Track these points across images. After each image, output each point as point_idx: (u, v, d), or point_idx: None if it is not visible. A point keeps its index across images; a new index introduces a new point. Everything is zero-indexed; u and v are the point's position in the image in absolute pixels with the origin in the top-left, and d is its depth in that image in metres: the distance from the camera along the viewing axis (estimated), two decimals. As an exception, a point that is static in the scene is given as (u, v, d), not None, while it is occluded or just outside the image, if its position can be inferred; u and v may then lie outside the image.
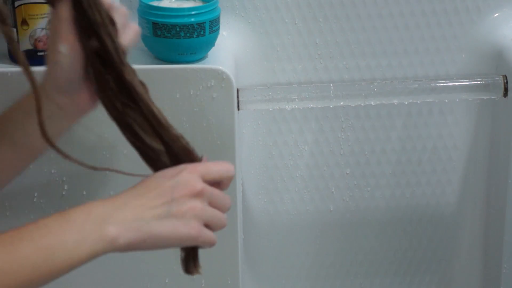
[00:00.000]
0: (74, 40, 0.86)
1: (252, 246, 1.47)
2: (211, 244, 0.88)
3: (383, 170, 1.47)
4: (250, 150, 1.43)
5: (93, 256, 0.80)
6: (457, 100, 1.41)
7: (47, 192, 1.22)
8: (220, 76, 1.18)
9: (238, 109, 1.26)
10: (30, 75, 0.81)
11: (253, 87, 1.35)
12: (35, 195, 1.22)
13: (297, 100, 1.31)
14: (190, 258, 0.91)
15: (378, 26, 1.38)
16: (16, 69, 1.17)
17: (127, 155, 1.23)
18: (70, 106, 0.91)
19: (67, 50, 0.86)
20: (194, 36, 1.18)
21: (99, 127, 1.16)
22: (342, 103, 1.32)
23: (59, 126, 0.92)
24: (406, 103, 1.37)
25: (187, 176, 0.85)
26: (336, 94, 1.31)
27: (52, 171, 1.20)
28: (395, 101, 1.34)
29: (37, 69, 0.87)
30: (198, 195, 0.85)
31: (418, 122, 1.44)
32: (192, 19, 1.17)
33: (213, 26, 1.20)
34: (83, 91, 0.90)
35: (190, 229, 0.84)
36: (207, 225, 0.87)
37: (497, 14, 1.40)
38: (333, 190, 1.47)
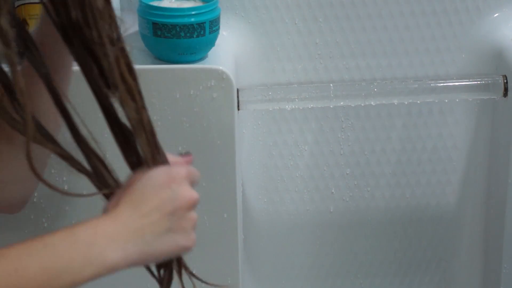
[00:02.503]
0: None
1: (252, 246, 1.47)
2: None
3: (383, 170, 1.47)
4: (250, 150, 1.43)
5: (95, 279, 0.80)
6: (457, 100, 1.41)
7: (47, 192, 1.21)
8: (220, 76, 1.18)
9: (238, 109, 1.26)
10: (26, 104, 0.79)
11: (253, 87, 1.35)
12: (35, 195, 1.22)
13: (297, 100, 1.31)
14: (180, 270, 0.91)
15: (378, 26, 1.38)
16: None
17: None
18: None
19: None
20: (194, 36, 1.18)
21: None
22: (342, 103, 1.32)
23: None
24: (406, 103, 1.37)
25: (183, 186, 0.84)
26: (336, 94, 1.31)
27: (52, 171, 1.20)
28: (395, 101, 1.34)
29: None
30: (192, 207, 0.84)
31: (418, 122, 1.44)
32: (192, 19, 1.17)
33: (213, 26, 1.20)
34: None
35: (189, 241, 0.84)
36: None
37: (497, 14, 1.40)
38: (333, 190, 1.47)
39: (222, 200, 1.24)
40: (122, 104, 0.80)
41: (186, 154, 0.90)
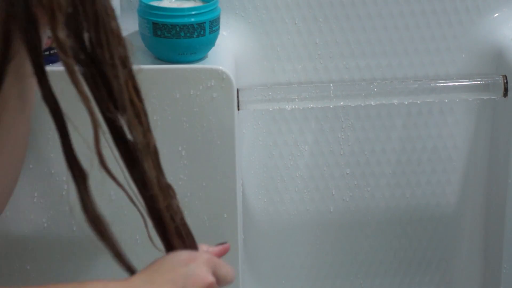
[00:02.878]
0: None
1: (252, 246, 1.47)
2: None
3: (383, 170, 1.47)
4: (250, 150, 1.43)
5: None
6: (457, 100, 1.41)
7: (47, 192, 1.22)
8: (220, 76, 1.18)
9: (238, 109, 1.26)
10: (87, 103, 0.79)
11: (253, 87, 1.35)
12: (35, 195, 1.22)
13: (297, 100, 1.31)
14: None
15: (378, 26, 1.38)
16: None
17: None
18: None
19: None
20: (194, 36, 1.18)
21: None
22: (342, 103, 1.32)
23: None
24: (406, 103, 1.37)
25: (201, 267, 0.85)
26: (336, 94, 1.31)
27: (52, 171, 1.20)
28: (395, 101, 1.34)
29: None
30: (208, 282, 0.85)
31: (418, 122, 1.44)
32: (192, 19, 1.17)
33: (213, 26, 1.20)
34: None
35: None
36: None
37: (497, 14, 1.40)
38: (333, 190, 1.47)
39: (222, 200, 1.24)
40: (130, 127, 0.81)
41: (223, 243, 0.95)
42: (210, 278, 0.85)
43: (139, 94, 0.81)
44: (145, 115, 0.82)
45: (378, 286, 1.54)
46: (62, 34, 0.74)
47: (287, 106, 1.31)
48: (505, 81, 1.34)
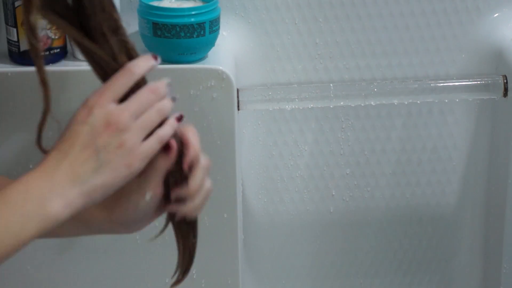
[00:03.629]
0: (160, 193, 0.85)
1: (252, 246, 1.47)
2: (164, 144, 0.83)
3: (383, 170, 1.47)
4: (250, 150, 1.43)
5: (40, 234, 0.78)
6: (457, 100, 1.41)
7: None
8: (220, 76, 1.18)
9: (238, 109, 1.26)
10: (46, 90, 0.80)
11: (253, 87, 1.35)
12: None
13: (297, 100, 1.31)
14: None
15: (378, 26, 1.38)
16: (16, 69, 1.18)
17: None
18: (101, 228, 0.90)
19: (151, 199, 0.85)
20: (194, 36, 1.18)
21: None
22: (342, 103, 1.32)
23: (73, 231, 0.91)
24: (406, 103, 1.37)
25: (99, 113, 0.80)
26: (336, 94, 1.31)
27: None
28: (395, 101, 1.34)
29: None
30: (120, 128, 0.80)
31: (418, 122, 1.44)
32: (192, 19, 1.17)
33: (213, 26, 1.20)
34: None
35: (130, 166, 0.80)
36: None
37: (497, 14, 1.40)
38: (333, 190, 1.47)
39: (222, 200, 1.24)
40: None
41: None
42: (114, 118, 0.79)
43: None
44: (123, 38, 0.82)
45: (378, 286, 1.54)
46: (33, 18, 0.76)
47: (287, 106, 1.31)
48: (505, 81, 1.34)
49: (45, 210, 0.77)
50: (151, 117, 0.81)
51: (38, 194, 0.78)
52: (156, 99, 0.82)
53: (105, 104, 0.80)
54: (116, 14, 0.82)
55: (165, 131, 0.82)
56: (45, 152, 0.82)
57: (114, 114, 0.80)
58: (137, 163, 0.81)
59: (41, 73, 0.79)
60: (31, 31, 0.77)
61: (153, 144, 0.81)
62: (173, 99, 0.83)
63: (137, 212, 0.86)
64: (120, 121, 0.79)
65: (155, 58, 0.83)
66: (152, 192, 0.84)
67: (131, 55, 0.83)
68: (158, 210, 0.88)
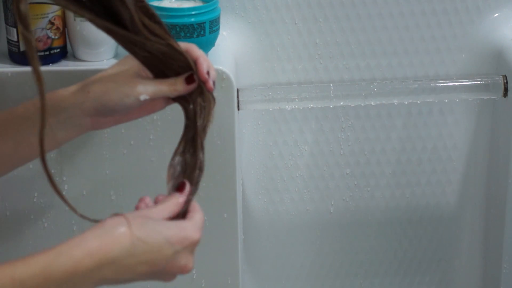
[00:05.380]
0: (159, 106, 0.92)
1: (252, 246, 1.47)
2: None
3: (383, 170, 1.47)
4: (250, 150, 1.43)
5: None
6: (457, 100, 1.41)
7: (47, 192, 1.21)
8: (220, 76, 1.18)
9: (238, 109, 1.26)
10: (41, 85, 0.80)
11: (253, 87, 1.35)
12: (35, 195, 1.22)
13: (297, 100, 1.31)
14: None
15: (378, 26, 1.38)
16: (16, 69, 1.17)
17: (126, 155, 1.23)
18: (93, 124, 0.91)
19: (142, 101, 0.89)
20: (194, 36, 1.18)
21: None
22: (342, 103, 1.32)
23: (65, 135, 0.91)
24: (406, 103, 1.37)
25: (185, 253, 0.83)
26: (336, 94, 1.31)
27: (53, 171, 1.20)
28: (395, 101, 1.34)
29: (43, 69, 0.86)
30: (183, 273, 0.84)
31: (418, 122, 1.44)
32: (192, 19, 1.17)
33: (213, 26, 1.20)
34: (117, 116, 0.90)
35: (168, 280, 0.85)
36: None
37: (497, 14, 1.40)
38: (333, 190, 1.47)
39: (222, 200, 1.24)
40: (148, 44, 0.85)
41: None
42: (190, 267, 0.83)
43: (155, 17, 0.85)
44: (166, 32, 0.86)
45: (378, 286, 1.54)
46: (23, 6, 0.76)
47: (287, 106, 1.31)
48: (505, 81, 1.34)
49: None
50: None
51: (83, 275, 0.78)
52: None
53: (192, 255, 0.84)
54: None
55: None
56: (42, 154, 0.82)
57: (190, 264, 0.84)
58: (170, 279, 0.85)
59: (35, 65, 0.78)
60: (22, 20, 0.76)
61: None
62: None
63: (120, 102, 0.88)
64: (187, 272, 0.84)
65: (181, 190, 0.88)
66: (148, 96, 0.88)
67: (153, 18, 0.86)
68: (141, 110, 0.91)
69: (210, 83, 0.92)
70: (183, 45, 0.91)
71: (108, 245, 0.78)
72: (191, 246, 0.83)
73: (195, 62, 0.91)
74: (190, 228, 0.84)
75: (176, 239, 0.82)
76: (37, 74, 0.77)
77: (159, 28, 0.86)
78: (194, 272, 1.28)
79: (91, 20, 0.83)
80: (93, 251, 0.78)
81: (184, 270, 0.83)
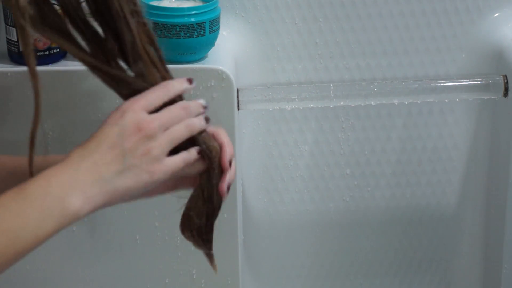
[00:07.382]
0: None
1: (252, 246, 1.47)
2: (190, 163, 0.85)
3: (383, 170, 1.47)
4: (250, 150, 1.43)
5: (59, 230, 0.78)
6: (457, 100, 1.41)
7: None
8: (220, 76, 1.18)
9: (238, 109, 1.26)
10: (35, 81, 0.80)
11: (253, 87, 1.35)
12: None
13: (297, 100, 1.31)
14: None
15: (378, 26, 1.38)
16: (16, 69, 1.17)
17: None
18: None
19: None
20: (194, 36, 1.18)
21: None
22: (342, 103, 1.32)
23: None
24: (406, 103, 1.37)
25: (131, 117, 0.81)
26: (336, 94, 1.31)
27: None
28: (395, 101, 1.34)
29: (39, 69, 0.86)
30: (149, 135, 0.81)
31: (418, 122, 1.44)
32: (192, 19, 1.17)
33: (213, 26, 1.20)
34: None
35: (153, 175, 0.81)
36: (180, 147, 0.84)
37: (497, 14, 1.40)
38: (333, 190, 1.47)
39: (222, 200, 1.24)
40: (145, 75, 0.84)
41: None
42: (146, 124, 0.81)
43: (154, 43, 0.85)
44: (162, 61, 0.86)
45: (378, 286, 1.54)
46: (23, 2, 0.76)
47: (287, 106, 1.31)
48: (505, 81, 1.34)
49: (65, 206, 0.77)
50: (179, 131, 0.83)
51: (59, 189, 0.77)
52: (186, 116, 0.84)
53: (138, 111, 0.82)
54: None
55: (191, 156, 0.85)
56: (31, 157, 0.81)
57: (145, 121, 0.81)
58: (160, 174, 0.82)
59: (30, 62, 0.78)
60: (21, 15, 0.77)
61: (178, 162, 0.84)
62: (207, 120, 0.86)
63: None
64: (150, 128, 0.81)
65: (190, 82, 0.87)
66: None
67: (150, 38, 0.85)
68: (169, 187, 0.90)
69: (225, 185, 0.91)
70: (212, 129, 0.88)
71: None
72: (126, 107, 0.82)
73: (220, 147, 0.88)
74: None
75: (115, 115, 0.82)
76: (32, 71, 0.77)
77: (158, 61, 0.86)
78: (194, 272, 1.28)
79: (81, 60, 0.84)
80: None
81: (141, 126, 0.81)
